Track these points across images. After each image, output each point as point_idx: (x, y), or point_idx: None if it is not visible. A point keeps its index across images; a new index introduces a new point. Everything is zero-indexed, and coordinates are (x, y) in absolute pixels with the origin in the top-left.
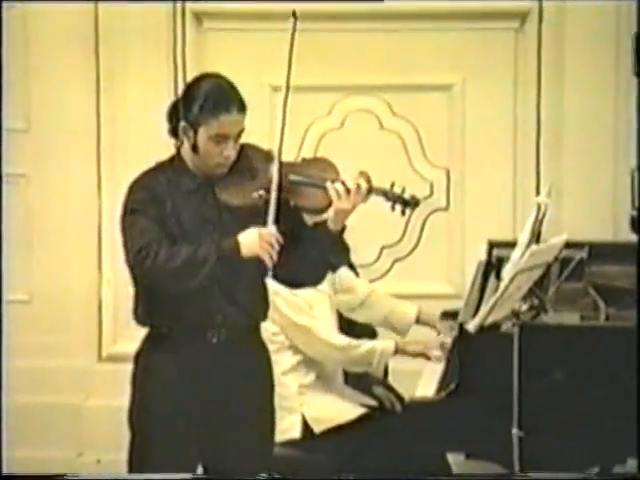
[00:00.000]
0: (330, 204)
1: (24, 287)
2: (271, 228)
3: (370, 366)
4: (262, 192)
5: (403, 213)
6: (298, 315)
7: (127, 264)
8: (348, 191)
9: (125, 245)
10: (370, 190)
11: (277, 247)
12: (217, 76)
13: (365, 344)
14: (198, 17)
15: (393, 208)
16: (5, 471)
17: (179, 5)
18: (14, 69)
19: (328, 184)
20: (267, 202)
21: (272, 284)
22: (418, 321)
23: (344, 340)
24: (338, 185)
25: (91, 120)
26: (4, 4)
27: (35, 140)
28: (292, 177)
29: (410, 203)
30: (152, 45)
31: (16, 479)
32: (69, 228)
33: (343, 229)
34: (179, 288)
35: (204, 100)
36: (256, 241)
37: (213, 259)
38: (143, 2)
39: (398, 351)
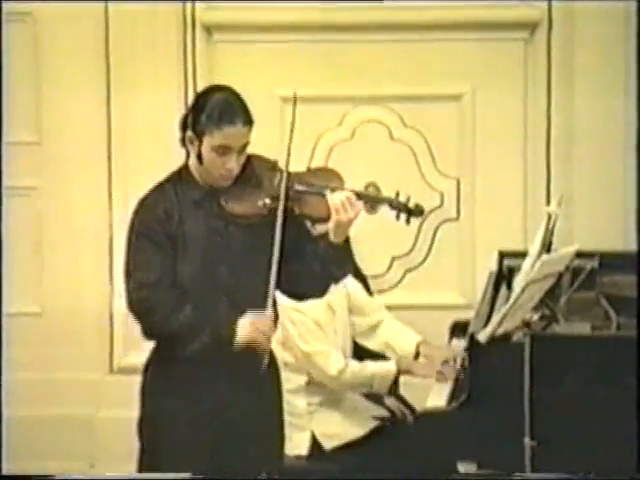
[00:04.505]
0: None
1: (36, 299)
2: (267, 313)
3: (371, 389)
4: (267, 200)
5: (408, 222)
6: (300, 339)
7: (125, 285)
8: (346, 203)
9: (127, 267)
10: (374, 200)
11: (273, 333)
12: (227, 89)
13: (365, 369)
14: (208, 29)
15: (398, 217)
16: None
17: (189, 17)
18: (25, 81)
19: (327, 193)
20: (271, 211)
21: (281, 299)
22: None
23: (335, 369)
24: (336, 196)
25: (102, 132)
26: (4, 4)
27: (46, 152)
28: (297, 186)
29: (415, 212)
30: (162, 57)
31: (16, 479)
32: (81, 240)
33: (347, 239)
34: (159, 340)
35: (210, 111)
36: (251, 329)
37: (205, 338)
38: (152, 2)
39: (402, 373)
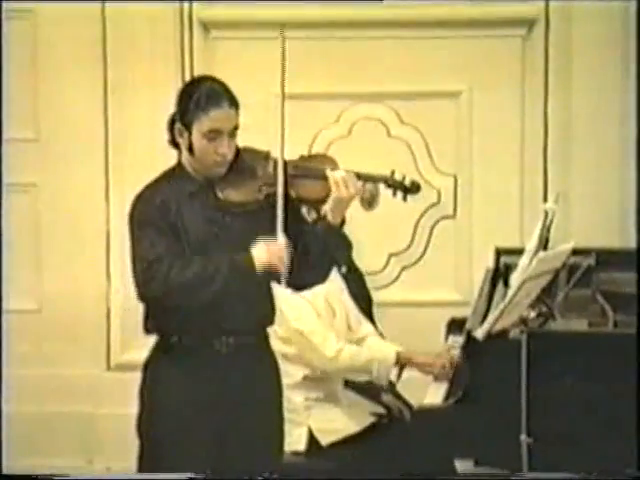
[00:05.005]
0: (329, 194)
1: (33, 296)
2: (280, 239)
3: (370, 375)
4: (263, 187)
5: (404, 199)
6: (295, 319)
7: (134, 277)
8: (347, 179)
9: (133, 258)
10: (370, 178)
11: (288, 259)
12: (208, 77)
13: (363, 353)
14: (205, 26)
15: (394, 194)
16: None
17: (186, 14)
18: (23, 79)
19: (328, 172)
20: (268, 196)
21: (279, 289)
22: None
23: (332, 350)
24: (337, 172)
25: (99, 129)
26: (4, 4)
27: (44, 149)
28: (292, 171)
29: (411, 189)
30: (160, 54)
31: (16, 479)
32: (78, 237)
33: (343, 223)
34: (191, 301)
35: (196, 99)
36: (268, 254)
37: (225, 273)
38: (150, 1)
39: (401, 361)
